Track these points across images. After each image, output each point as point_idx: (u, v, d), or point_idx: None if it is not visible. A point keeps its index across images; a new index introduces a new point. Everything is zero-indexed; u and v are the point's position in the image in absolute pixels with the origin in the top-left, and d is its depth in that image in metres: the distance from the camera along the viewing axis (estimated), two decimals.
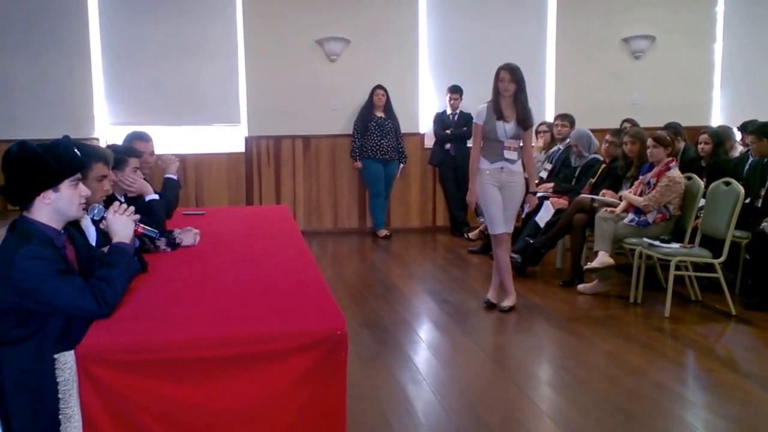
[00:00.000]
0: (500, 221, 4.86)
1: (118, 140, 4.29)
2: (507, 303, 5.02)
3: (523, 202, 5.10)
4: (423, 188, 8.34)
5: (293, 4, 7.91)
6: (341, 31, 7.92)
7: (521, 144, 4.88)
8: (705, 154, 6.19)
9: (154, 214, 3.57)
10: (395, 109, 7.88)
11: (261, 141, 8.04)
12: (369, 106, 7.79)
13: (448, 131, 7.91)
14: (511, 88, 4.72)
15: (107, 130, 7.77)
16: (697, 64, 8.63)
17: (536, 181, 6.96)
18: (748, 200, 5.26)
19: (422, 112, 8.27)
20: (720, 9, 8.61)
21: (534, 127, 7.63)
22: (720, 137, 6.29)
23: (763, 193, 5.40)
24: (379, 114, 7.80)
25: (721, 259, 4.89)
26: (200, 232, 3.47)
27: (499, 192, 4.83)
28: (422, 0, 8.14)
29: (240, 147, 8.04)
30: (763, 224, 5.00)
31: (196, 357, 1.94)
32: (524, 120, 4.79)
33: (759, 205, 5.36)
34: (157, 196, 3.76)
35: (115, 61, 7.75)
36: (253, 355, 1.96)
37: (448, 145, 7.92)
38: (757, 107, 7.89)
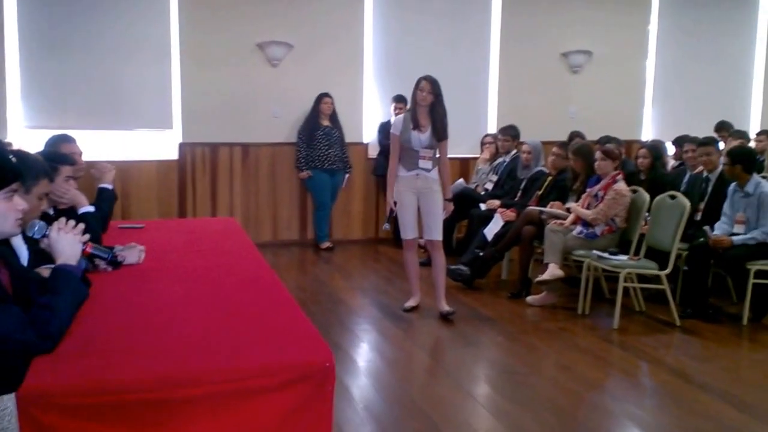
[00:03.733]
0: (411, 228, 5.04)
1: (35, 145, 3.96)
2: (411, 303, 5.24)
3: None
4: (366, 199, 8.22)
5: (233, 4, 7.66)
6: (284, 36, 7.72)
7: (437, 154, 4.98)
8: (644, 168, 6.30)
9: (90, 228, 3.29)
10: (339, 118, 7.74)
11: (196, 148, 7.73)
12: (315, 115, 7.62)
13: None
14: (429, 98, 4.86)
15: (21, 134, 7.12)
16: (630, 79, 8.85)
17: (481, 193, 6.97)
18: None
19: (366, 121, 8.15)
20: (653, 26, 8.86)
21: (480, 139, 7.78)
22: (658, 151, 6.43)
23: (702, 206, 5.53)
24: (326, 123, 7.64)
25: (667, 270, 4.97)
26: (144, 248, 3.23)
27: (416, 199, 4.97)
28: (368, 8, 8.05)
29: (172, 154, 7.70)
30: (706, 228, 5.11)
31: (159, 399, 1.69)
32: (440, 131, 4.91)
33: (698, 218, 5.48)
34: (92, 208, 3.48)
35: (32, 57, 7.12)
36: (227, 394, 1.71)
37: None
38: (687, 122, 8.14)
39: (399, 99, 7.79)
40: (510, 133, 6.81)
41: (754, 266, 4.92)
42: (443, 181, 5.06)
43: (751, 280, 4.92)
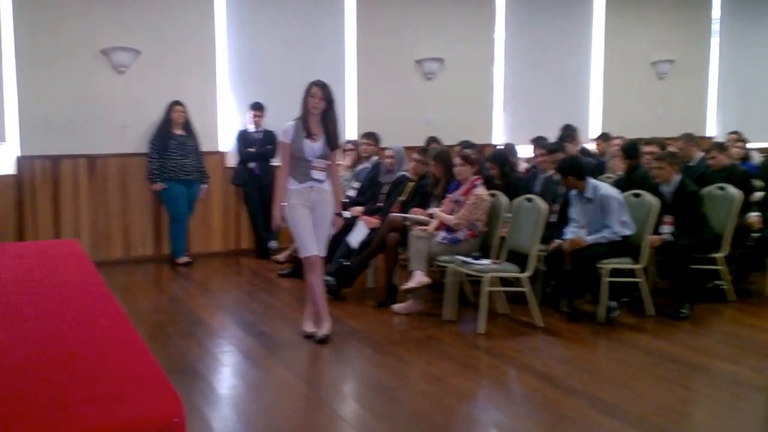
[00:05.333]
0: (311, 243, 4.64)
1: None
2: (323, 332, 4.78)
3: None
4: (225, 210, 7.87)
5: (73, 8, 7.06)
6: (130, 41, 7.21)
7: (329, 164, 4.73)
8: (495, 176, 6.42)
9: None
10: (194, 127, 7.34)
11: (35, 161, 7.05)
12: (167, 123, 7.17)
13: (251, 150, 7.54)
14: (321, 105, 4.57)
15: None
16: (480, 85, 9.10)
17: (344, 200, 6.86)
18: None
19: (222, 129, 7.80)
20: (499, 34, 9.17)
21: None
22: (502, 158, 6.49)
23: (556, 208, 5.73)
24: (179, 132, 7.22)
25: (528, 273, 5.08)
26: None
27: (310, 213, 4.64)
28: (219, 12, 7.70)
29: (8, 169, 6.98)
30: (556, 242, 5.29)
31: None
32: (333, 139, 4.67)
33: (554, 220, 5.67)
34: None
35: None
36: None
37: (252, 164, 7.54)
38: (535, 126, 8.46)
39: (257, 106, 7.53)
40: (372, 137, 6.77)
41: (608, 265, 5.14)
42: (335, 193, 4.78)
43: (605, 279, 5.13)
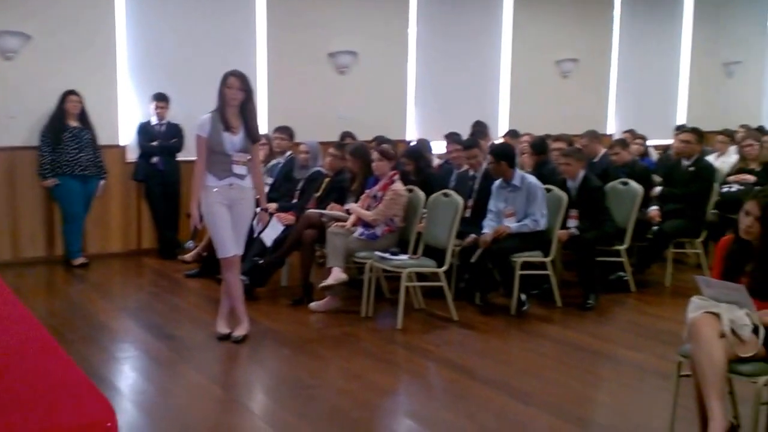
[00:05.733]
0: (230, 243, 4.46)
1: None
2: (240, 332, 4.62)
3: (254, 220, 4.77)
4: (126, 207, 7.45)
5: None
6: (18, 24, 6.69)
7: (250, 158, 4.53)
8: (411, 171, 6.42)
9: None
10: (91, 118, 6.90)
11: None
12: (60, 115, 6.69)
13: (154, 143, 7.17)
14: (240, 96, 4.38)
15: None
16: (394, 80, 9.08)
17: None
18: None
19: (123, 121, 7.38)
20: (411, 30, 9.20)
21: None
22: (417, 154, 6.52)
23: (471, 203, 5.78)
24: (74, 123, 6.75)
25: (444, 267, 5.10)
26: None
27: (228, 211, 4.44)
28: None
29: None
30: (471, 237, 5.33)
31: None
32: (254, 132, 4.47)
33: (468, 215, 5.71)
34: None
35: None
36: None
37: (155, 159, 7.17)
38: (447, 121, 8.55)
39: (160, 97, 7.18)
40: (286, 132, 6.59)
41: (520, 258, 5.23)
42: (258, 187, 4.61)
43: (518, 272, 5.22)
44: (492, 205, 5.49)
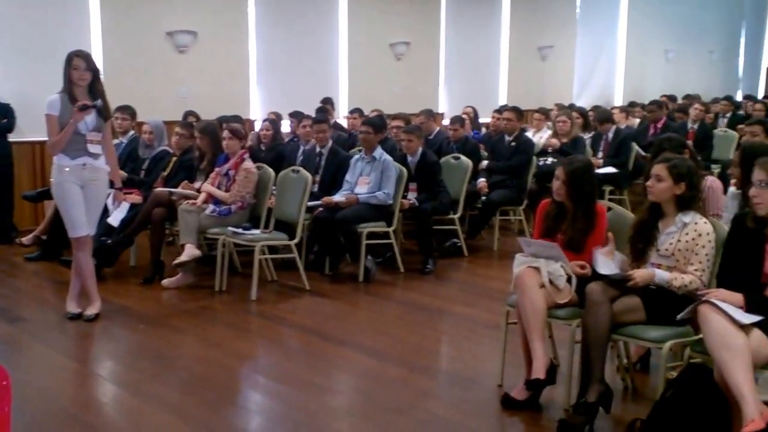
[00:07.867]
0: (83, 223, 4.49)
1: None
2: (92, 310, 4.66)
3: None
4: None
5: None
6: None
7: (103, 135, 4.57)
8: (266, 141, 6.70)
9: None
10: None
11: None
12: None
13: None
14: (87, 76, 4.40)
15: None
16: (235, 59, 9.11)
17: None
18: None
19: None
20: (251, 9, 9.26)
21: None
22: (276, 126, 6.84)
23: (317, 178, 6.08)
24: None
25: (296, 240, 5.37)
26: None
27: (81, 191, 4.46)
28: None
29: None
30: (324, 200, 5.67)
31: None
32: (105, 110, 4.52)
33: (315, 189, 6.02)
34: None
35: None
36: None
37: None
38: (289, 100, 8.76)
39: None
40: (128, 111, 6.47)
41: (366, 229, 5.63)
42: (112, 166, 4.65)
43: (364, 242, 5.61)
44: (349, 176, 5.85)
